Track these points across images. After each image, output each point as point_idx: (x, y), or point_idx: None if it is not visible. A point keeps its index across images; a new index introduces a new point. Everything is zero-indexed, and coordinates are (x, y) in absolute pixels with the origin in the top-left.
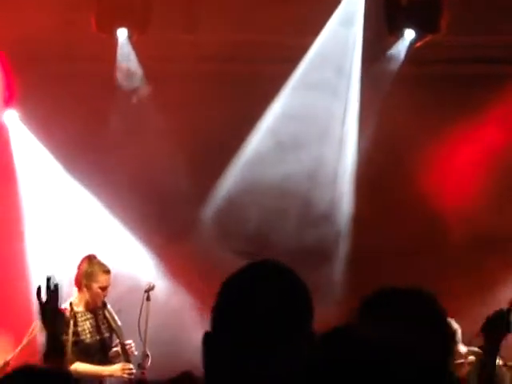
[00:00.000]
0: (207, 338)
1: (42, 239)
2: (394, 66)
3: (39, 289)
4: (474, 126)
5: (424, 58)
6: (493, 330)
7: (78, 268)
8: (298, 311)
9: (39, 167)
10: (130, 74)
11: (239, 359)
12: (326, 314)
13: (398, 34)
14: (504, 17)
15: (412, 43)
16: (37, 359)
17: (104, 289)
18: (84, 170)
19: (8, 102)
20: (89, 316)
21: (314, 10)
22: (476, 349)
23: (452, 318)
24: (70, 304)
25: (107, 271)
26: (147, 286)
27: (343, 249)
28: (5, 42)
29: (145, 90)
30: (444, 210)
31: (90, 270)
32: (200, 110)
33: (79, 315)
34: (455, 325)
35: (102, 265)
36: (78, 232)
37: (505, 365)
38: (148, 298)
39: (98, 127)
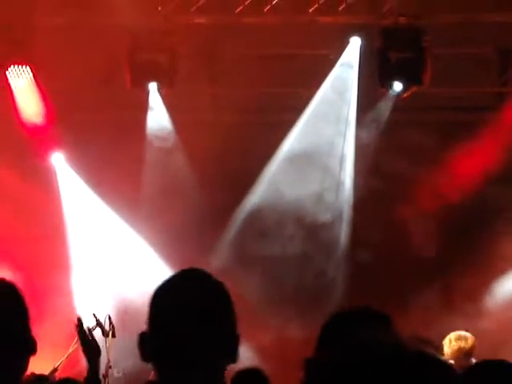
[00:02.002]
0: (140, 338)
1: (84, 264)
2: (385, 113)
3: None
4: (453, 162)
5: (410, 106)
6: None
7: None
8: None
9: (83, 200)
10: (160, 132)
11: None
12: None
13: (388, 86)
14: (477, 70)
15: (400, 94)
16: (80, 366)
17: None
18: (121, 204)
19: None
20: None
21: (317, 64)
22: None
23: None
24: None
25: None
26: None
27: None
28: (52, 94)
29: (172, 138)
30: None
31: None
32: (217, 152)
33: None
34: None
35: None
36: (118, 261)
37: None
38: (113, 335)
39: (132, 167)
